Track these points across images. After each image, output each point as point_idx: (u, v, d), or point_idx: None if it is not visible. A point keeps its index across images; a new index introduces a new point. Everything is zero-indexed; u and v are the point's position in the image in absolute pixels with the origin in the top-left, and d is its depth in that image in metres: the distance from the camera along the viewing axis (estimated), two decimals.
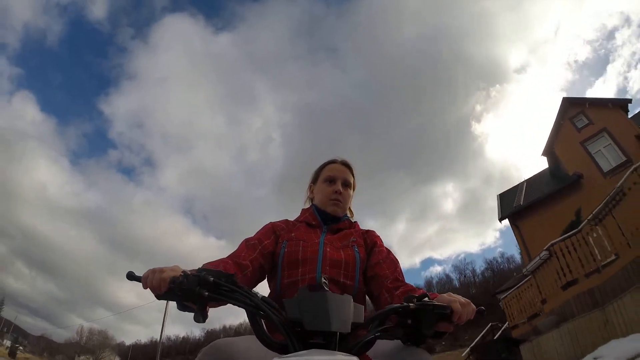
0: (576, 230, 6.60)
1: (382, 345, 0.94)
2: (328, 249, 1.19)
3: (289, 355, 0.62)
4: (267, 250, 1.21)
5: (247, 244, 1.22)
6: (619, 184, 5.86)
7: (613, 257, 5.80)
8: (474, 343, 12.82)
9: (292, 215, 1.45)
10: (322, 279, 0.92)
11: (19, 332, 54.03)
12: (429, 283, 52.16)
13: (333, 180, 1.38)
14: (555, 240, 6.88)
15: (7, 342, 42.43)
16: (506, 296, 9.09)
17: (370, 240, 1.31)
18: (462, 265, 46.30)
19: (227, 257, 1.16)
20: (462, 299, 0.83)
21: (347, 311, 0.72)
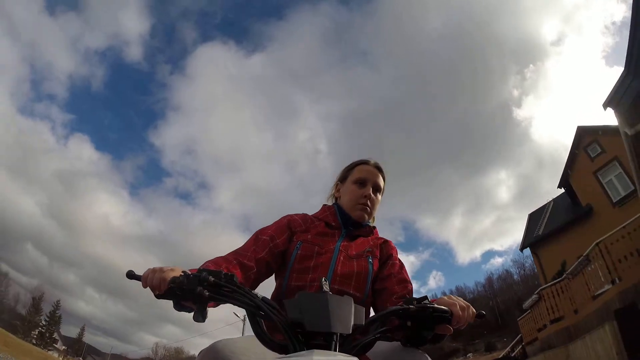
0: (559, 279, 8.83)
1: (382, 347, 0.94)
2: (342, 258, 1.17)
3: (289, 355, 0.62)
4: (278, 249, 1.18)
5: (257, 239, 1.19)
6: (586, 251, 7.92)
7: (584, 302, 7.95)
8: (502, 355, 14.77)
9: None
10: (323, 280, 0.86)
11: (96, 353, 60.56)
12: (489, 280, 51.86)
13: (364, 182, 1.31)
14: (543, 286, 9.16)
15: None
16: (521, 318, 11.29)
17: (387, 252, 1.27)
18: (521, 259, 45.29)
19: (233, 252, 1.14)
20: (462, 303, 0.84)
21: (347, 313, 0.72)
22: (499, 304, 44.70)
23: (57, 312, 49.58)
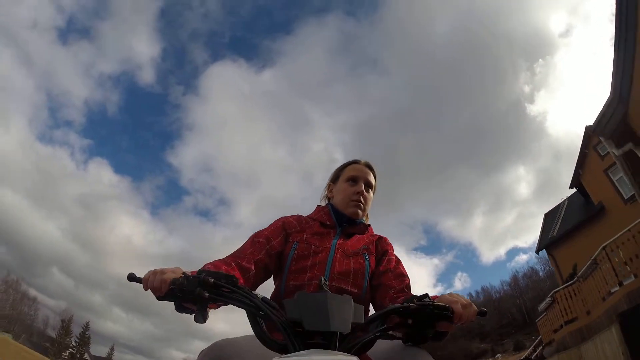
0: (571, 282, 9.17)
1: (383, 346, 0.93)
2: (338, 256, 1.18)
3: (289, 355, 0.62)
4: (275, 251, 1.19)
5: (254, 242, 1.19)
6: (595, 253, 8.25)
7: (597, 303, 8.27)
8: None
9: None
10: (322, 279, 0.86)
11: None
12: (514, 279, 50.92)
13: (355, 180, 1.35)
14: (557, 289, 9.51)
15: None
16: (539, 320, 11.56)
17: (382, 248, 1.29)
18: (545, 255, 44.35)
19: (231, 255, 1.14)
20: (464, 300, 0.84)
21: (347, 311, 0.72)
22: (526, 302, 43.92)
23: (86, 333, 50.35)
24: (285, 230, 1.25)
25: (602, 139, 6.94)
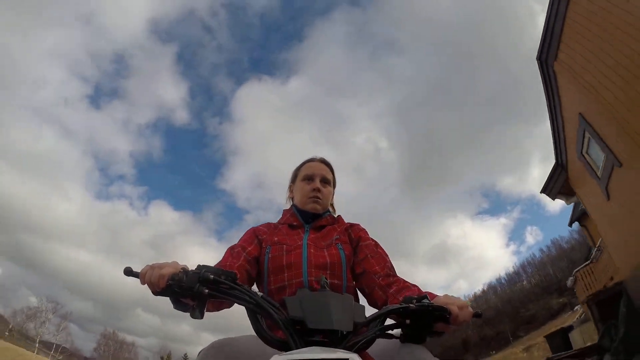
0: (586, 263, 10.73)
1: (382, 344, 0.94)
2: (312, 250, 1.18)
3: (290, 352, 0.62)
4: (252, 256, 1.21)
5: (232, 252, 1.21)
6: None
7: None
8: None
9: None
10: (323, 277, 0.87)
11: None
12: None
13: (311, 177, 1.38)
14: (577, 269, 11.10)
15: None
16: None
17: (355, 235, 1.30)
18: None
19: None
20: (460, 302, 0.85)
21: (348, 310, 0.73)
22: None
23: None
24: (258, 237, 1.28)
25: (551, 197, 8.35)
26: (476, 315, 0.89)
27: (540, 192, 8.67)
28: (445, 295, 0.88)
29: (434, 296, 0.91)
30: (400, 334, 0.86)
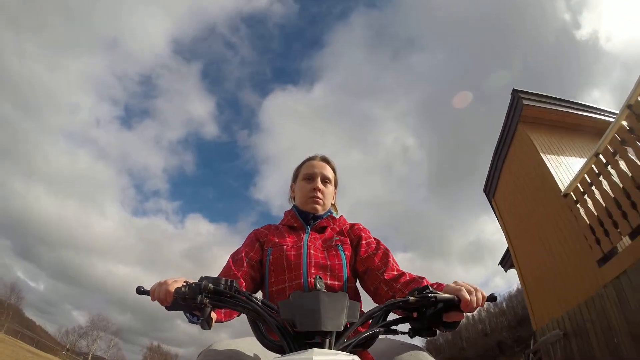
0: None
1: (383, 343, 0.93)
2: (312, 252, 1.16)
3: (287, 355, 0.63)
4: (255, 261, 1.20)
5: (234, 260, 1.20)
6: None
7: None
8: None
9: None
10: (317, 277, 0.85)
11: None
12: None
13: (311, 177, 1.36)
14: None
15: None
16: None
17: (356, 235, 1.27)
18: None
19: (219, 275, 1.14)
20: (470, 287, 0.80)
21: (339, 310, 0.71)
22: None
23: None
24: (259, 240, 1.27)
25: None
26: (490, 298, 0.82)
27: (498, 264, 9.03)
28: (455, 282, 0.82)
29: (443, 286, 0.85)
30: (409, 329, 0.80)
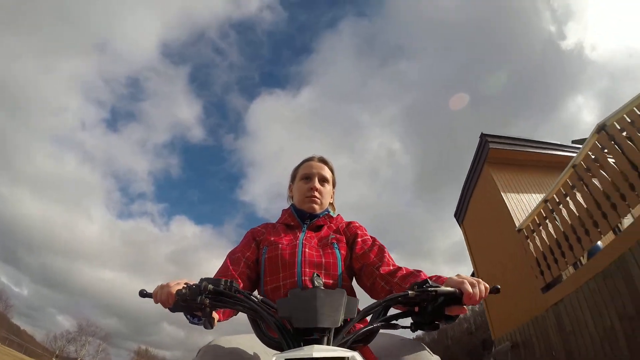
0: None
1: (383, 339, 0.93)
2: (307, 250, 1.17)
3: (287, 351, 0.64)
4: (251, 261, 1.21)
5: (232, 259, 1.21)
6: None
7: None
8: None
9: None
10: (315, 275, 0.87)
11: None
12: None
13: (309, 177, 1.38)
14: None
15: None
16: None
17: (352, 233, 1.28)
18: None
19: (216, 275, 1.15)
20: (472, 279, 0.79)
21: (336, 306, 0.70)
22: None
23: None
24: (255, 239, 1.28)
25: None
26: (493, 290, 0.81)
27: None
28: (458, 275, 0.81)
29: (444, 279, 0.85)
30: (411, 323, 0.79)
